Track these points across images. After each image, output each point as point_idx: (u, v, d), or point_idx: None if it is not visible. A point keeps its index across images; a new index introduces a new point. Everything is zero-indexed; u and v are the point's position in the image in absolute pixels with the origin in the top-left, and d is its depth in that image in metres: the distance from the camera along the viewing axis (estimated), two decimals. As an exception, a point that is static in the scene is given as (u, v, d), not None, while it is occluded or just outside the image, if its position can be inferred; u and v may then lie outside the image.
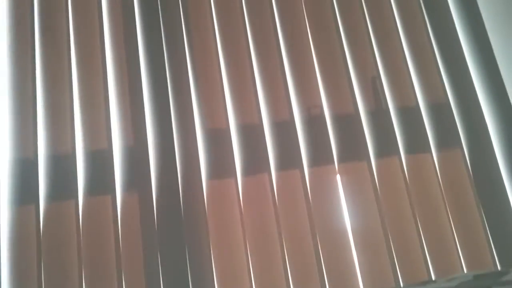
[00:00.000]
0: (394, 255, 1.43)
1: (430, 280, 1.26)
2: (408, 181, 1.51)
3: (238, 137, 1.51)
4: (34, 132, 1.41)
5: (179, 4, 1.61)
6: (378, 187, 1.49)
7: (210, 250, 1.40)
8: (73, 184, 1.40)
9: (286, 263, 1.41)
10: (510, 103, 1.59)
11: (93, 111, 1.46)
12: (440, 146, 1.55)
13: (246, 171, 1.48)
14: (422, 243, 1.45)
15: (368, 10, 1.67)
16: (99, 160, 1.43)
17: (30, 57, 1.47)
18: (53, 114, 1.44)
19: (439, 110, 1.58)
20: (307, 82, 1.57)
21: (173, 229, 1.41)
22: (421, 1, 1.70)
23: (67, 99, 1.46)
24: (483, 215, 1.48)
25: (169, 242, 1.40)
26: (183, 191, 1.44)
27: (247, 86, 1.55)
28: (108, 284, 1.34)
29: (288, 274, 1.40)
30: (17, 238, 1.34)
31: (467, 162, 1.53)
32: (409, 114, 1.57)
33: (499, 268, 1.42)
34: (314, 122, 1.54)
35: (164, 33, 1.57)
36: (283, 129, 1.53)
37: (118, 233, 1.38)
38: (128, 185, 1.43)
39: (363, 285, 1.39)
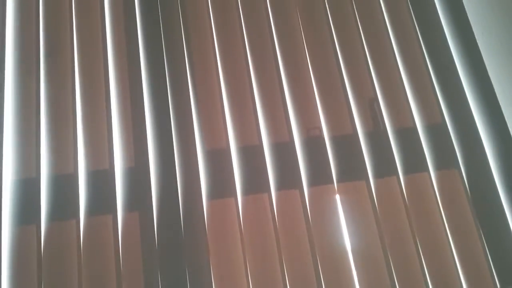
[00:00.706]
0: (394, 275, 1.44)
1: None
2: (407, 201, 1.52)
3: (238, 157, 1.52)
4: (37, 153, 1.43)
5: (180, 26, 1.65)
6: (377, 206, 1.51)
7: (210, 269, 1.40)
8: (75, 203, 1.41)
9: (286, 283, 1.41)
10: (506, 123, 1.61)
11: (95, 132, 1.48)
12: (437, 166, 1.57)
13: (246, 191, 1.49)
14: (422, 262, 1.46)
15: (364, 33, 1.71)
16: (101, 180, 1.44)
17: (34, 78, 1.50)
18: (55, 135, 1.46)
19: (436, 131, 1.61)
20: (306, 104, 1.60)
21: (174, 248, 1.41)
22: (416, 25, 1.74)
23: (69, 120, 1.48)
24: (482, 234, 1.49)
25: (169, 262, 1.40)
26: (183, 210, 1.45)
27: (247, 107, 1.57)
28: (109, 304, 1.34)
29: (288, 294, 1.40)
30: (18, 258, 1.35)
31: (464, 182, 1.55)
32: (406, 135, 1.59)
33: (498, 286, 1.42)
34: (313, 142, 1.56)
35: (166, 56, 1.60)
36: (283, 149, 1.55)
37: (119, 252, 1.38)
38: (129, 204, 1.44)
39: (363, 305, 1.40)
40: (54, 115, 1.48)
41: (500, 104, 1.63)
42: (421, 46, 1.71)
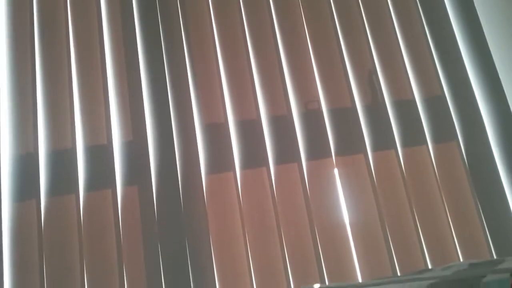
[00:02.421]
0: (391, 245, 1.45)
1: (427, 269, 1.28)
2: (404, 174, 1.53)
3: (237, 131, 1.52)
4: (34, 128, 1.43)
5: (177, 0, 1.63)
6: (375, 179, 1.51)
7: (210, 242, 1.42)
8: (74, 178, 1.41)
9: (285, 255, 1.42)
10: (505, 95, 1.61)
11: (93, 106, 1.48)
12: (436, 138, 1.57)
13: (245, 165, 1.50)
14: (419, 233, 1.47)
15: (364, 5, 1.68)
16: (99, 155, 1.44)
17: (30, 53, 1.49)
18: (53, 110, 1.45)
19: (434, 103, 1.60)
20: (304, 77, 1.59)
21: (173, 222, 1.42)
22: (417, -4, 1.72)
23: (66, 95, 1.47)
24: (479, 205, 1.50)
25: (169, 235, 1.41)
26: (182, 184, 1.46)
27: (245, 81, 1.56)
28: (110, 277, 1.35)
29: (287, 266, 1.41)
30: (19, 233, 1.36)
31: (463, 154, 1.55)
32: (405, 107, 1.59)
33: (494, 256, 1.44)
34: (311, 116, 1.56)
35: (162, 29, 1.58)
36: (281, 123, 1.54)
37: (119, 226, 1.40)
38: (128, 179, 1.44)
39: (361, 275, 1.41)
40: (50, 90, 1.47)
41: (500, 76, 1.62)
42: (421, 18, 1.69)
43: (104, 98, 1.48)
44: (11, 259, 1.34)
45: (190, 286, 1.38)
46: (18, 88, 1.46)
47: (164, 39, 1.57)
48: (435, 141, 1.56)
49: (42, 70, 1.48)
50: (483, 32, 1.67)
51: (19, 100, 1.45)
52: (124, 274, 1.36)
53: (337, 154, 1.53)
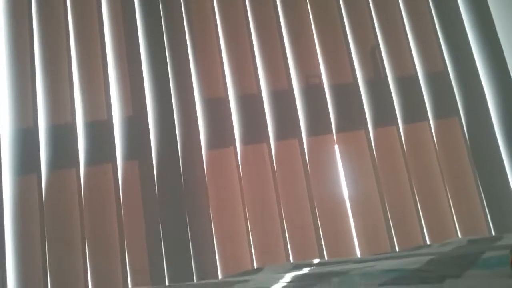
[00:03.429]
0: (390, 221, 1.46)
1: (425, 245, 1.29)
2: (405, 150, 1.52)
3: (237, 106, 1.51)
4: (34, 103, 1.42)
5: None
6: (375, 156, 1.51)
7: (210, 217, 1.43)
8: (74, 153, 1.41)
9: (284, 231, 1.43)
10: (509, 72, 1.59)
11: (92, 82, 1.46)
12: (437, 115, 1.56)
13: (245, 141, 1.49)
14: (418, 209, 1.47)
15: (367, -22, 1.65)
16: (99, 130, 1.44)
17: (28, 28, 1.46)
18: (52, 85, 1.44)
19: (437, 79, 1.58)
20: (305, 52, 1.57)
21: (174, 197, 1.43)
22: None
23: (65, 70, 1.45)
24: (479, 182, 1.50)
25: (169, 210, 1.42)
26: (183, 159, 1.46)
27: (246, 55, 1.54)
28: (111, 250, 1.37)
29: (287, 241, 1.42)
30: (20, 206, 1.36)
31: (464, 131, 1.55)
32: (407, 83, 1.57)
33: (493, 233, 1.45)
34: (312, 91, 1.54)
35: (162, 4, 1.56)
36: (282, 98, 1.53)
37: (120, 200, 1.40)
38: (129, 154, 1.44)
39: (360, 251, 1.43)
40: (49, 65, 1.45)
41: (505, 53, 1.60)
42: (425, -8, 1.65)
43: (103, 74, 1.47)
44: (13, 232, 1.35)
45: (191, 261, 1.39)
46: (17, 64, 1.44)
47: (163, 13, 1.55)
48: (437, 117, 1.55)
49: (40, 45, 1.46)
50: (489, 9, 1.64)
51: (18, 75, 1.43)
52: (125, 248, 1.37)
53: (338, 130, 1.52)
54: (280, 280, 0.72)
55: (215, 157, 1.47)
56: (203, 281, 1.13)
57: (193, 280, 1.37)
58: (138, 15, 1.53)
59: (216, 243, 1.41)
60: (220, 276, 1.38)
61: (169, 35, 1.53)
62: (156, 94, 1.49)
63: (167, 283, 1.35)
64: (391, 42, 1.60)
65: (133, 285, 1.35)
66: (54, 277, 1.32)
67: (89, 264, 1.35)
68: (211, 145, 1.48)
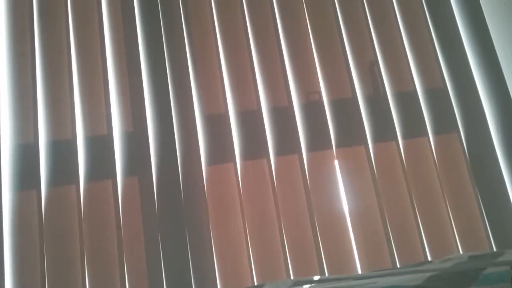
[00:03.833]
0: (391, 237, 1.45)
1: (426, 261, 1.28)
2: (405, 165, 1.52)
3: (237, 122, 1.52)
4: (34, 118, 1.42)
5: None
6: (375, 171, 1.51)
7: (210, 233, 1.42)
8: (74, 169, 1.41)
9: (285, 246, 1.43)
10: (507, 88, 1.60)
11: (93, 97, 1.47)
12: (437, 130, 1.56)
13: (245, 156, 1.49)
14: (419, 225, 1.47)
15: (366, -5, 1.67)
16: (99, 146, 1.44)
17: (29, 43, 1.48)
18: (53, 101, 1.45)
19: (436, 95, 1.59)
20: (305, 68, 1.58)
21: (174, 213, 1.42)
22: (419, -14, 1.70)
23: (66, 85, 1.46)
24: (479, 197, 1.50)
25: (169, 226, 1.41)
26: (183, 175, 1.46)
27: (246, 72, 1.56)
28: (110, 267, 1.36)
29: (287, 257, 1.42)
30: (20, 223, 1.36)
31: (464, 146, 1.55)
32: (406, 99, 1.58)
33: (494, 249, 1.44)
34: (312, 107, 1.55)
35: (163, 19, 1.57)
36: (282, 114, 1.54)
37: (119, 216, 1.40)
38: (129, 170, 1.44)
39: (361, 267, 1.42)
40: (50, 81, 1.46)
41: (503, 69, 1.61)
42: (424, 9, 1.67)
43: (104, 89, 1.48)
44: (12, 249, 1.34)
45: (191, 278, 1.38)
46: (18, 79, 1.45)
47: (164, 29, 1.56)
48: (436, 133, 1.56)
49: (41, 61, 1.47)
50: (486, 25, 1.66)
51: (19, 90, 1.44)
52: (125, 265, 1.37)
53: (337, 145, 1.52)
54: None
55: (215, 173, 1.47)
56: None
57: (193, 297, 1.36)
58: (139, 31, 1.55)
59: (216, 260, 1.40)
60: (220, 293, 1.37)
61: (170, 51, 1.55)
62: (157, 109, 1.50)
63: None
64: (390, 58, 1.61)
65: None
66: (53, 294, 1.31)
67: (88, 281, 1.34)
68: (211, 161, 1.48)
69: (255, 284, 1.36)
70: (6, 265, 1.33)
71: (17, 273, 1.33)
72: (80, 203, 1.39)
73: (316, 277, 1.02)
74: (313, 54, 1.59)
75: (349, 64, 1.59)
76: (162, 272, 1.37)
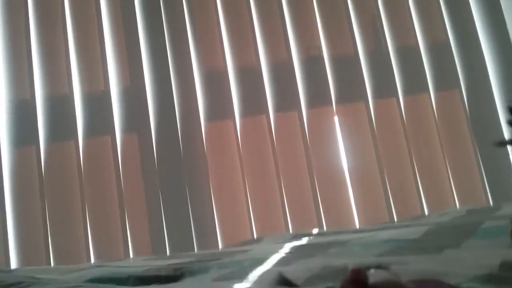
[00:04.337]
0: (389, 192, 1.46)
1: (424, 215, 1.30)
2: (405, 121, 1.51)
3: (236, 78, 1.50)
4: (30, 74, 1.40)
5: None
6: (375, 127, 1.50)
7: (210, 188, 1.43)
8: (72, 125, 1.40)
9: (284, 201, 1.44)
10: (511, 44, 1.57)
11: (89, 52, 1.44)
12: (438, 86, 1.54)
13: (245, 113, 1.48)
14: (417, 179, 1.48)
15: None
16: (97, 101, 1.43)
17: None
18: (48, 56, 1.42)
19: (439, 50, 1.56)
20: (305, 22, 1.54)
21: (173, 169, 1.43)
22: None
23: (61, 41, 1.43)
24: (478, 153, 1.49)
25: (169, 181, 1.42)
26: (182, 132, 1.45)
27: (245, 27, 1.52)
28: (112, 221, 1.37)
29: (286, 211, 1.43)
30: (20, 178, 1.36)
31: (464, 102, 1.53)
32: (408, 54, 1.55)
33: (491, 204, 1.45)
34: (312, 63, 1.52)
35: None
36: (281, 70, 1.51)
37: (119, 172, 1.40)
38: (127, 126, 1.43)
39: (359, 221, 1.44)
40: (45, 35, 1.43)
41: (507, 25, 1.57)
42: (428, -40, 1.61)
43: (99, 44, 1.45)
44: (13, 203, 1.36)
45: (191, 232, 1.40)
46: (12, 35, 1.42)
47: (160, -19, 1.51)
48: (437, 89, 1.54)
49: (36, 16, 1.44)
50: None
51: (13, 47, 1.42)
52: (126, 219, 1.38)
53: (337, 102, 1.51)
54: (279, 251, 0.72)
55: (214, 129, 1.47)
56: (203, 251, 1.14)
57: (194, 250, 1.38)
58: (135, -16, 1.50)
59: (216, 214, 1.42)
60: (220, 246, 1.39)
61: (167, 5, 1.50)
62: (154, 65, 1.47)
63: (168, 253, 1.37)
64: (392, 12, 1.56)
65: (134, 254, 1.36)
66: (56, 248, 1.34)
67: (91, 235, 1.36)
68: (210, 117, 1.47)
69: (255, 237, 1.38)
70: (9, 220, 1.34)
71: (20, 227, 1.34)
72: (80, 159, 1.39)
73: (315, 231, 1.04)
74: (313, 9, 1.55)
75: (350, 19, 1.55)
76: (163, 227, 1.39)
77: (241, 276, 0.58)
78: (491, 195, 1.47)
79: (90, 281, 0.64)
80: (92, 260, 1.33)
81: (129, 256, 1.36)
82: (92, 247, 1.35)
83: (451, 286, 0.40)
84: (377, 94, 1.53)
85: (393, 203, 1.46)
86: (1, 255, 1.30)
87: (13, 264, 1.31)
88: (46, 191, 1.36)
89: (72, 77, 1.42)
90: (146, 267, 0.69)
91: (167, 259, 0.82)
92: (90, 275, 0.67)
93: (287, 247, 0.77)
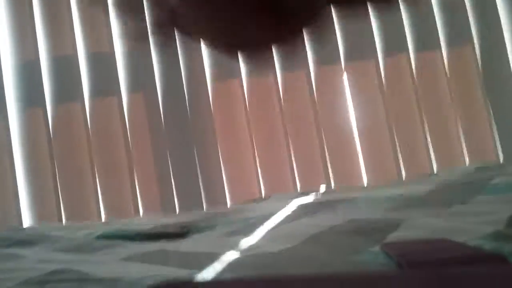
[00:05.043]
0: (399, 150, 1.45)
1: (432, 174, 1.29)
2: (415, 79, 1.48)
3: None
4: (33, 35, 1.38)
5: None
6: (384, 85, 1.47)
7: (218, 147, 1.43)
8: (78, 86, 1.39)
9: (292, 160, 1.44)
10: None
11: (92, 13, 1.41)
12: (450, 42, 1.50)
13: (251, 72, 1.46)
14: (427, 137, 1.46)
15: None
16: (102, 62, 1.41)
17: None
18: (51, 17, 1.40)
19: (451, 4, 1.51)
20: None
21: (180, 129, 1.43)
22: None
23: (65, 1, 1.41)
24: (490, 110, 1.47)
25: (177, 141, 1.42)
26: (188, 91, 1.44)
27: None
28: (121, 180, 1.39)
29: (294, 170, 1.43)
30: (28, 140, 1.37)
31: (477, 59, 1.49)
32: (419, 8, 1.50)
33: (501, 161, 1.44)
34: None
35: None
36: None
37: (127, 132, 1.40)
38: (133, 86, 1.42)
39: (367, 179, 1.43)
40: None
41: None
42: None
43: (103, 5, 1.41)
44: (23, 165, 1.37)
45: (200, 191, 1.41)
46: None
47: None
48: (449, 45, 1.50)
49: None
50: None
51: (16, 8, 1.39)
52: (135, 178, 1.39)
53: (346, 60, 1.48)
54: (286, 208, 0.73)
55: (221, 88, 1.45)
56: (212, 210, 1.15)
57: (203, 209, 1.40)
58: None
59: (225, 173, 1.42)
60: (229, 205, 1.41)
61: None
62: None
63: (177, 212, 1.39)
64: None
65: (144, 213, 1.39)
66: (66, 207, 1.36)
67: (101, 194, 1.38)
68: (216, 76, 1.45)
69: (263, 196, 1.39)
70: (19, 181, 1.36)
71: (31, 188, 1.36)
72: (87, 120, 1.39)
73: (322, 189, 1.04)
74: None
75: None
76: (172, 185, 1.40)
77: (247, 232, 0.58)
78: (503, 154, 1.45)
79: (99, 238, 0.66)
80: (103, 219, 1.35)
81: (139, 214, 1.38)
82: (103, 206, 1.37)
83: (458, 244, 0.40)
84: (386, 51, 1.49)
85: (402, 161, 1.45)
86: (13, 214, 1.33)
87: (26, 222, 1.33)
88: (55, 151, 1.37)
89: (76, 38, 1.40)
90: (153, 225, 0.70)
91: (175, 217, 0.83)
92: (99, 232, 0.68)
93: (294, 204, 0.77)
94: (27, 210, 1.35)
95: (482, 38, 1.50)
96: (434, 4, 1.50)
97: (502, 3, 1.51)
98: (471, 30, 1.50)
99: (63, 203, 1.36)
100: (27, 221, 1.34)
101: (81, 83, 1.39)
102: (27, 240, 0.65)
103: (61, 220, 1.35)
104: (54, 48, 1.40)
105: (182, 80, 1.44)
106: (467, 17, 1.50)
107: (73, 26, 1.40)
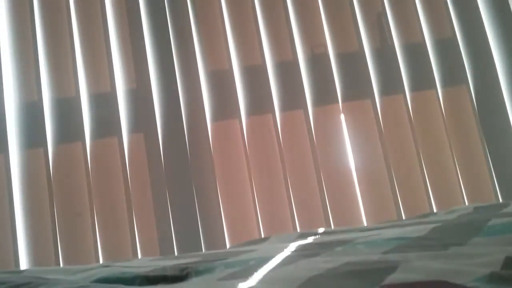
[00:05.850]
0: (397, 190, 1.46)
1: (431, 213, 1.29)
2: (412, 118, 1.51)
3: (241, 78, 1.50)
4: (37, 77, 1.41)
5: None
6: (382, 124, 1.50)
7: (217, 188, 1.43)
8: (80, 126, 1.41)
9: (291, 200, 1.44)
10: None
11: (95, 54, 1.45)
12: (445, 83, 1.53)
13: (250, 112, 1.48)
14: (425, 177, 1.47)
15: None
16: (104, 103, 1.44)
17: (29, 2, 1.45)
18: (55, 59, 1.43)
19: (445, 46, 1.55)
20: (310, 20, 1.54)
21: (180, 169, 1.43)
22: None
23: (67, 43, 1.44)
24: (487, 149, 1.48)
25: (176, 181, 1.43)
26: (188, 131, 1.46)
27: (249, 26, 1.52)
28: (120, 222, 1.38)
29: (293, 211, 1.43)
30: (28, 180, 1.38)
31: (472, 98, 1.52)
32: (415, 50, 1.54)
33: (500, 200, 1.44)
34: (318, 61, 1.52)
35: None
36: (287, 69, 1.51)
37: (127, 173, 1.41)
38: (134, 126, 1.44)
39: (366, 220, 1.43)
40: (51, 38, 1.44)
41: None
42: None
43: (106, 46, 1.45)
44: (23, 206, 1.37)
45: (199, 231, 1.41)
46: (19, 38, 1.43)
47: (165, -18, 1.52)
48: (445, 85, 1.53)
49: (41, 19, 1.45)
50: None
51: (20, 50, 1.43)
52: (134, 220, 1.39)
53: (343, 100, 1.50)
54: (285, 249, 0.73)
55: (221, 129, 1.47)
56: (211, 251, 1.14)
57: (201, 250, 1.39)
58: (140, -14, 1.51)
59: (224, 214, 1.42)
60: (228, 246, 1.40)
61: (172, 6, 1.51)
62: (160, 66, 1.48)
63: (176, 253, 1.37)
64: (398, 8, 1.56)
65: (142, 255, 1.37)
66: (65, 249, 1.35)
67: (99, 236, 1.37)
68: (216, 117, 1.47)
69: (262, 237, 1.38)
70: (18, 222, 1.35)
71: (29, 229, 1.36)
72: (87, 160, 1.40)
73: (321, 229, 1.04)
74: (318, 6, 1.54)
75: (355, 16, 1.54)
76: (171, 227, 1.40)
77: (247, 275, 0.58)
78: (500, 192, 1.46)
79: (97, 281, 0.65)
80: (101, 261, 1.34)
81: (137, 256, 1.37)
82: (101, 248, 1.36)
83: (456, 286, 0.40)
84: (383, 91, 1.52)
85: (401, 201, 1.45)
86: (11, 256, 1.32)
87: (23, 265, 1.32)
88: (54, 192, 1.37)
89: (79, 79, 1.43)
90: (152, 267, 0.69)
91: (174, 259, 0.83)
92: (97, 275, 0.67)
93: (293, 246, 0.77)
94: (25, 252, 1.34)
95: (476, 78, 1.53)
96: (429, 45, 1.54)
97: (495, 43, 1.55)
98: (465, 71, 1.54)
99: (61, 245, 1.35)
100: (24, 263, 1.33)
101: (83, 124, 1.41)
102: (24, 283, 0.64)
103: (58, 262, 1.33)
104: (56, 89, 1.42)
105: (182, 120, 1.46)
106: (461, 58, 1.54)
107: (76, 68, 1.43)
